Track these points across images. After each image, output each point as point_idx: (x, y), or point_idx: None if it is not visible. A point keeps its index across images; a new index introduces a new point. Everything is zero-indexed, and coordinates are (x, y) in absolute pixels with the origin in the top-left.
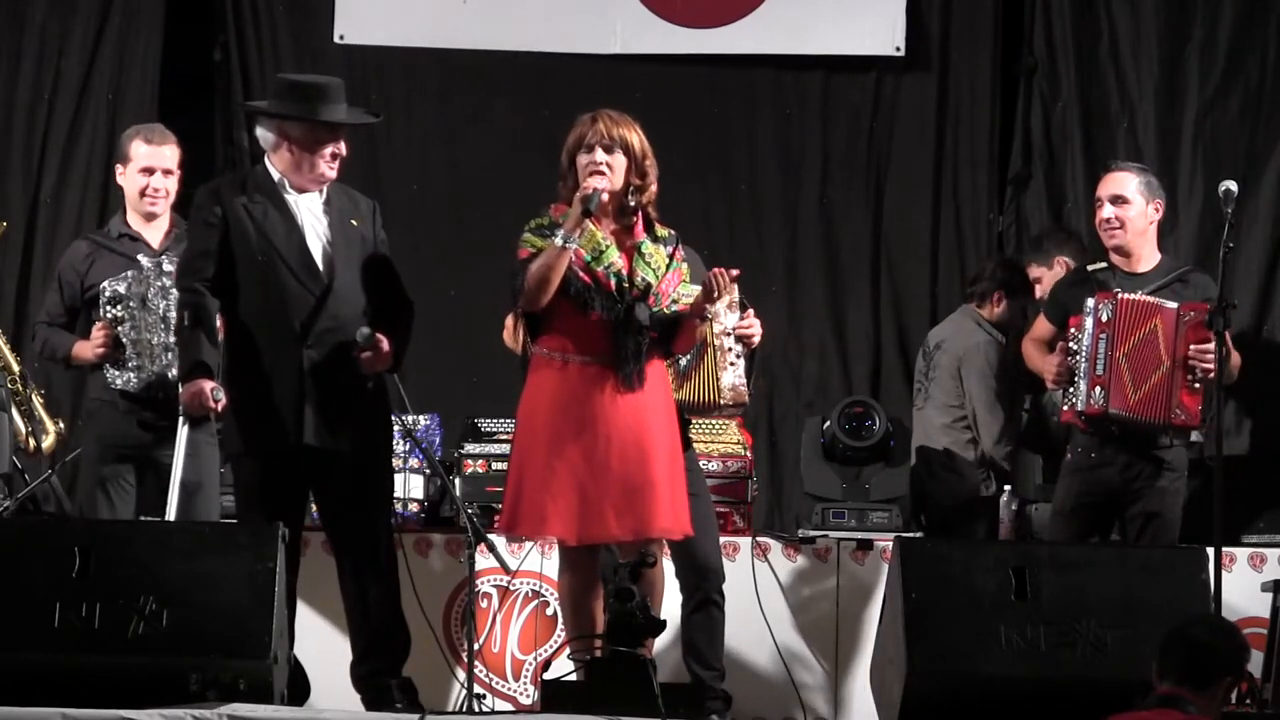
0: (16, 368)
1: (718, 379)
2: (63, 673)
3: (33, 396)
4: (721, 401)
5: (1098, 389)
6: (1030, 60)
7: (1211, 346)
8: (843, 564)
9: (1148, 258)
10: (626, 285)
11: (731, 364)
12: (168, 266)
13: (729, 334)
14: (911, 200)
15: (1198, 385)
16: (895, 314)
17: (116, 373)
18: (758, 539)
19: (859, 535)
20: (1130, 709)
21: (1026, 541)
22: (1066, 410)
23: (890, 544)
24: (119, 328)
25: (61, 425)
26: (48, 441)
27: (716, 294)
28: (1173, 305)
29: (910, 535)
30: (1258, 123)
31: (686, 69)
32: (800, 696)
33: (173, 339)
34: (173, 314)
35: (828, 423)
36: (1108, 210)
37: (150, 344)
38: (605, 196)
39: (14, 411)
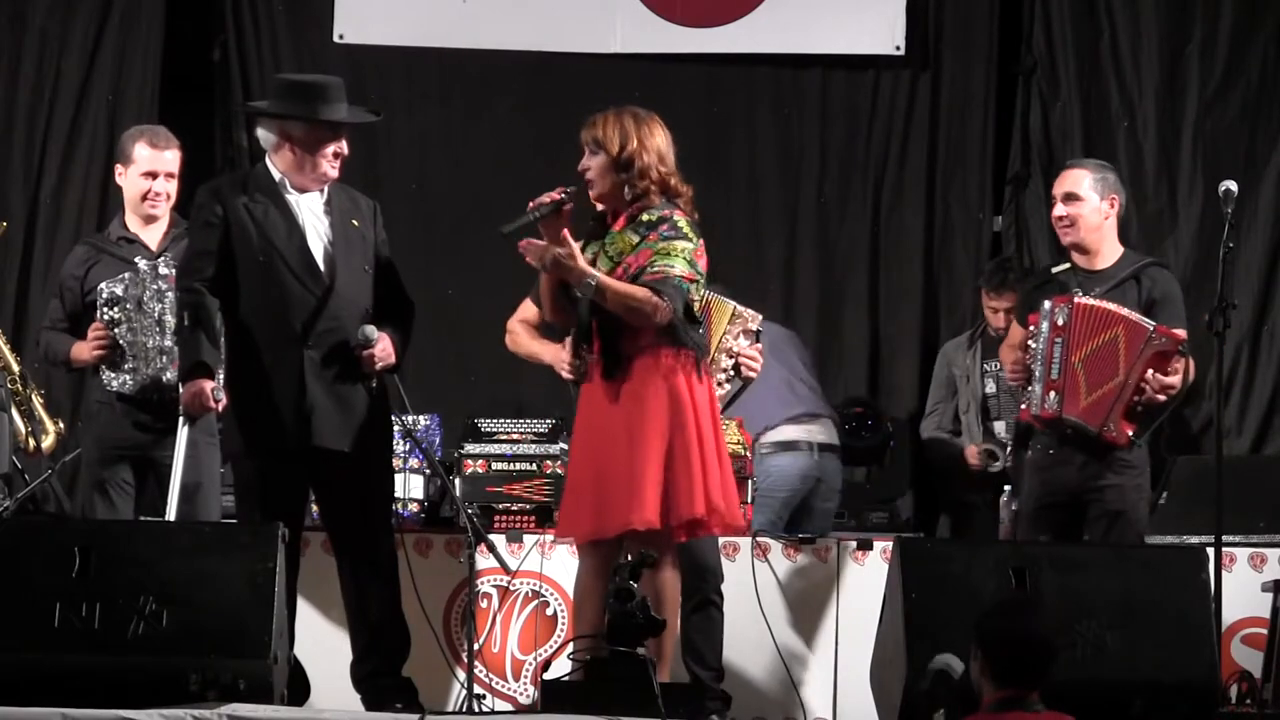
0: (16, 368)
1: None
2: (63, 673)
3: (33, 396)
4: None
5: (1052, 393)
6: (1030, 60)
7: (1174, 381)
8: (843, 564)
9: (1107, 254)
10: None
11: (717, 384)
12: (164, 270)
13: (731, 354)
14: (910, 199)
15: (1140, 409)
16: (893, 313)
17: (113, 375)
18: (758, 539)
19: (859, 535)
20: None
21: (1026, 541)
22: (1024, 409)
23: (890, 544)
24: (115, 329)
25: (61, 425)
26: (48, 441)
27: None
28: (1148, 324)
29: (910, 535)
30: (1258, 123)
31: (686, 68)
32: (800, 696)
33: (168, 342)
34: (169, 317)
35: None
36: (1060, 208)
37: (145, 347)
38: (568, 207)
39: (14, 411)
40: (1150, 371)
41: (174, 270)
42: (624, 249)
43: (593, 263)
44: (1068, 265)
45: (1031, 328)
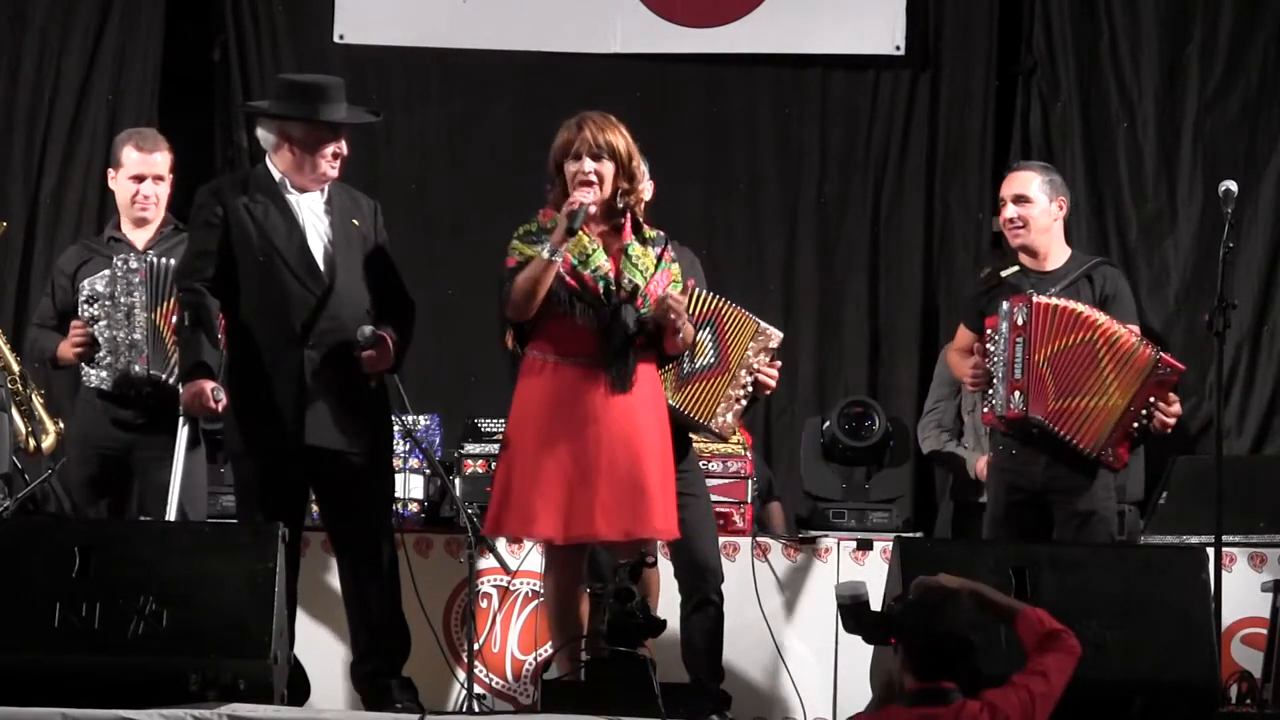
0: (16, 368)
1: (716, 404)
2: (63, 673)
3: (33, 396)
4: (708, 426)
5: (1017, 393)
6: (1030, 60)
7: (1178, 410)
8: (843, 564)
9: (1056, 255)
10: (613, 288)
11: (738, 401)
12: (135, 264)
13: (751, 371)
14: (910, 199)
15: (1137, 436)
16: (893, 313)
17: (92, 371)
18: (758, 539)
19: (859, 535)
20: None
21: (1026, 541)
22: (986, 412)
23: (890, 544)
24: (95, 325)
25: (61, 425)
26: (48, 441)
27: (673, 316)
28: (1149, 350)
29: (910, 535)
30: (1258, 123)
31: (686, 68)
32: (800, 696)
33: (137, 335)
34: (138, 311)
35: (827, 423)
36: (1010, 210)
37: (117, 341)
38: (593, 208)
39: (14, 411)
40: (1153, 399)
41: (145, 264)
42: (650, 266)
43: (589, 257)
44: (1017, 268)
45: (989, 331)
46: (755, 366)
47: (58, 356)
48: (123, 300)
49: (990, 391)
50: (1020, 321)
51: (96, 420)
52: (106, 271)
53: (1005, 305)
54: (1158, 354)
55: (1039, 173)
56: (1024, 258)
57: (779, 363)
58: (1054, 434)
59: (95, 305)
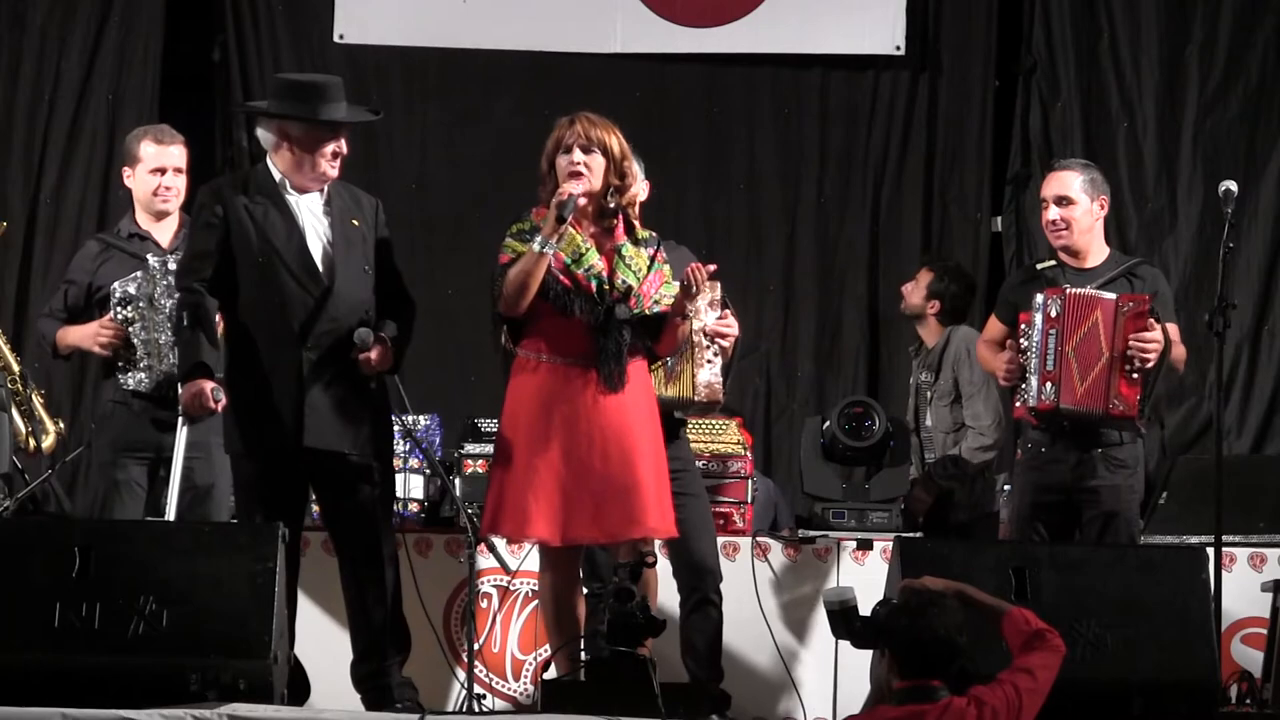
0: (16, 368)
1: (694, 375)
2: (63, 673)
3: (33, 396)
4: (696, 398)
5: (1049, 385)
6: (1030, 60)
7: (1153, 336)
8: (843, 564)
9: (1095, 254)
10: (607, 287)
11: (708, 361)
12: (173, 265)
13: (705, 332)
14: (909, 199)
15: (1135, 375)
16: (893, 313)
17: (130, 375)
18: (758, 539)
19: (859, 535)
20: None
21: (1026, 541)
22: (1019, 406)
23: (890, 544)
24: (130, 328)
25: (61, 425)
26: (48, 441)
27: (695, 290)
28: (1110, 296)
29: (910, 535)
30: (1258, 123)
31: (686, 68)
32: (800, 696)
33: None
34: None
35: (827, 423)
36: (1053, 212)
37: (159, 343)
38: (582, 200)
39: (14, 411)
40: (1130, 337)
41: None
42: (643, 267)
43: (582, 256)
44: (1054, 262)
45: (1023, 325)
46: (707, 325)
47: (58, 341)
48: (163, 302)
49: (1023, 385)
50: (1054, 314)
51: (135, 422)
52: (138, 273)
53: (1039, 298)
54: (1116, 294)
55: (1080, 171)
56: (1063, 255)
57: (730, 311)
58: (1081, 414)
59: (129, 308)
